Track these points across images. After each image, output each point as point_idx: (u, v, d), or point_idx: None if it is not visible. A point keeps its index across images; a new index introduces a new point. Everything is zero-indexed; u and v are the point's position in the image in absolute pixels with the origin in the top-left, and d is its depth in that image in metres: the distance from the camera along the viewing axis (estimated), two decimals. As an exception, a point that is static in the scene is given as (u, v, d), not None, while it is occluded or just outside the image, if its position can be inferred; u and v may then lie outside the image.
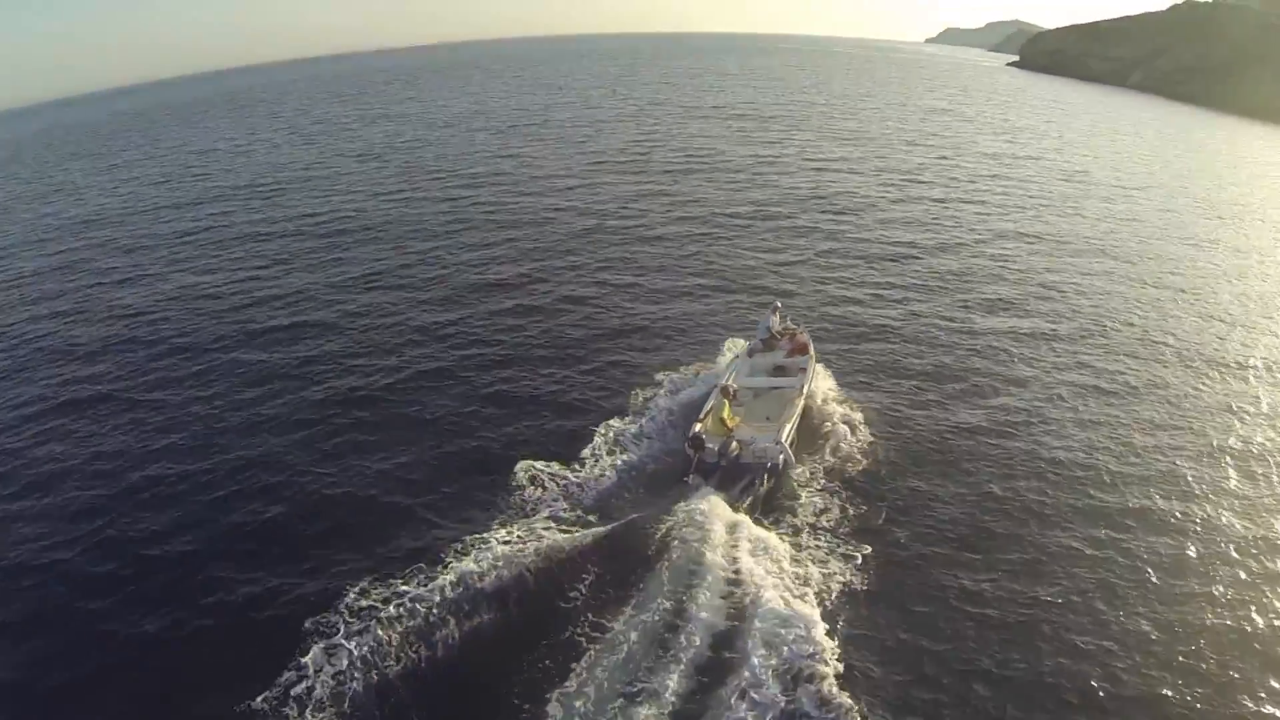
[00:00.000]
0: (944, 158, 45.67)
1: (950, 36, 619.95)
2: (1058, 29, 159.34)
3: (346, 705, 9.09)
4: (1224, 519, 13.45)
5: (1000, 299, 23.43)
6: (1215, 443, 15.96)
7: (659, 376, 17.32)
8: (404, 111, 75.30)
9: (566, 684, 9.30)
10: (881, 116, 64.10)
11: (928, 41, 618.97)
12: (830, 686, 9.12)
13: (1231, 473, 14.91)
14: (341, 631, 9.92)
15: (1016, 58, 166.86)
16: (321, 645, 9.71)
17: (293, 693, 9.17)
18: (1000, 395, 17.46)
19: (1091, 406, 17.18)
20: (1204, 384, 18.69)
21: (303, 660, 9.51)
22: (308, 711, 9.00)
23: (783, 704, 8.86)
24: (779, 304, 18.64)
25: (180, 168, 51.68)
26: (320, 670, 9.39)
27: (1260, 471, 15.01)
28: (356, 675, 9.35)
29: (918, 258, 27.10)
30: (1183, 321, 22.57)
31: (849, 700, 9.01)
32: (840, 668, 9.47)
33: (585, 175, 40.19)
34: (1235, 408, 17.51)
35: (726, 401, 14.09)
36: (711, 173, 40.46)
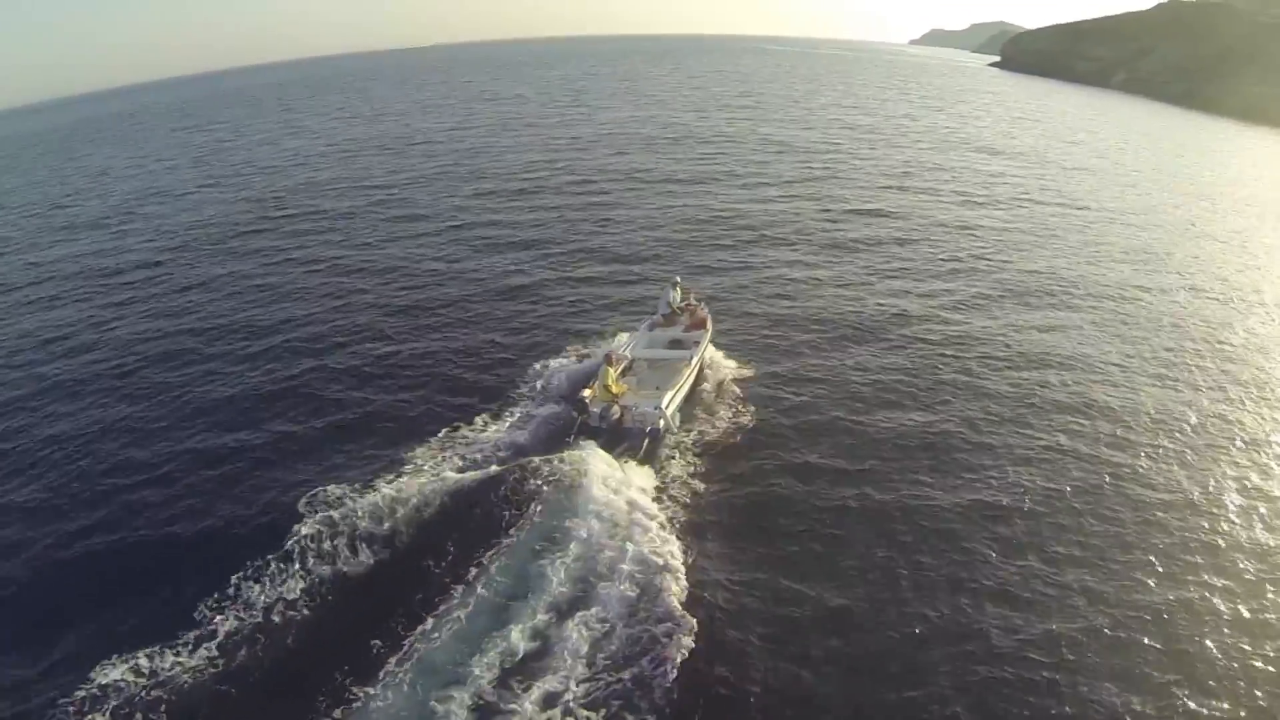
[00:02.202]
0: (893, 154, 43.44)
1: (935, 38, 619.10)
2: (1039, 29, 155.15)
3: (239, 652, 9.48)
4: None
5: (909, 291, 22.97)
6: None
7: (565, 347, 18.07)
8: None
9: (440, 612, 9.89)
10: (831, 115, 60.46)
11: (911, 43, 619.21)
12: (679, 618, 9.73)
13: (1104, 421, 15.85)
14: (238, 573, 10.45)
15: (998, 58, 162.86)
16: (228, 585, 10.30)
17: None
18: (887, 380, 17.32)
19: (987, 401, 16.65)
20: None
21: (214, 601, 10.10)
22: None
23: (635, 636, 9.51)
24: (679, 279, 18.96)
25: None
26: (218, 608, 9.99)
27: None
28: (247, 615, 9.90)
29: (841, 248, 26.98)
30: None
31: (695, 629, 9.63)
32: (693, 609, 10.00)
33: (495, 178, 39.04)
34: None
35: (610, 369, 14.54)
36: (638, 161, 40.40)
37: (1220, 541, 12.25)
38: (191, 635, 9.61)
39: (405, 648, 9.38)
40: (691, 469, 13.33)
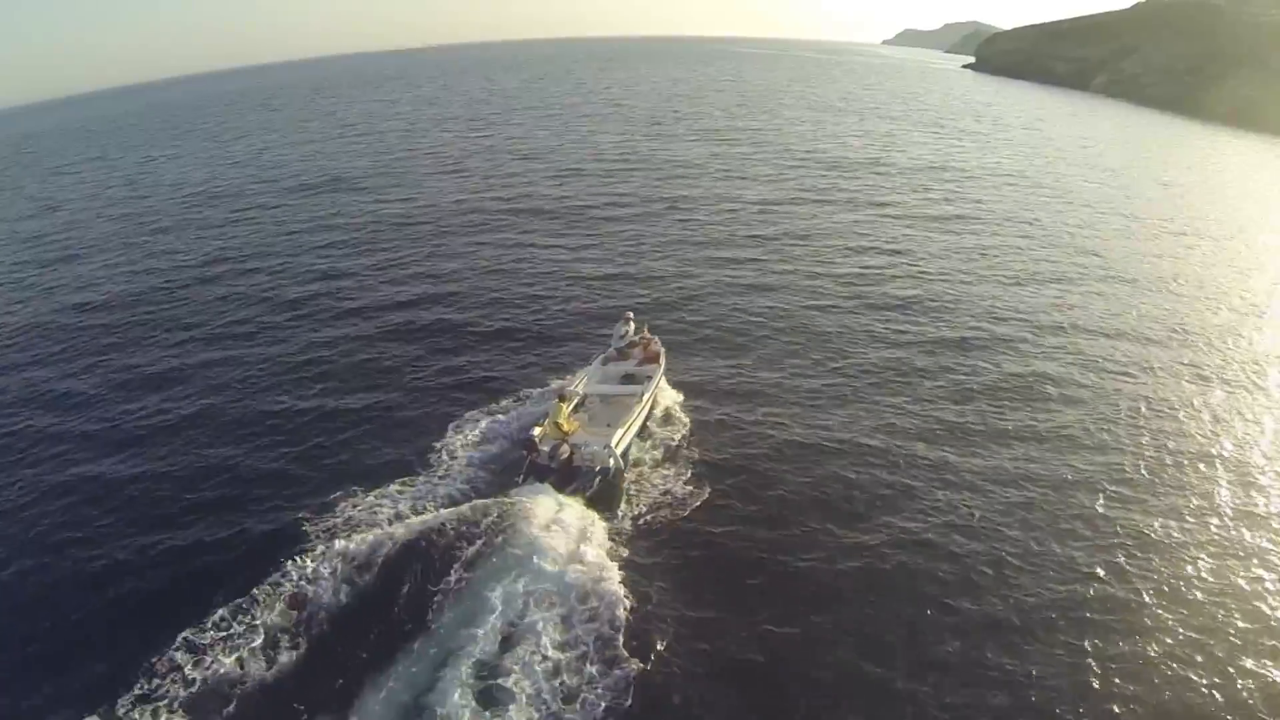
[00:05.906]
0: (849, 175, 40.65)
1: (908, 38, 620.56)
2: (1015, 29, 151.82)
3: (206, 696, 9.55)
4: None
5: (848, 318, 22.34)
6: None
7: (521, 384, 17.67)
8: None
9: (391, 656, 9.97)
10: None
11: (885, 43, 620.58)
12: (621, 654, 9.96)
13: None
14: (187, 629, 10.38)
15: (972, 59, 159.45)
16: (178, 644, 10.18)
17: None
18: (831, 416, 16.65)
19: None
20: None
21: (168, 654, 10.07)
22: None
23: (579, 672, 9.78)
24: (631, 314, 18.64)
25: None
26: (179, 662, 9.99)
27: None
28: (198, 669, 9.87)
29: (789, 278, 25.63)
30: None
31: (636, 665, 9.88)
32: (636, 646, 10.17)
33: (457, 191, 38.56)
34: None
35: (562, 406, 14.26)
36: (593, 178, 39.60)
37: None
38: (152, 684, 9.71)
39: (357, 693, 9.54)
40: (640, 506, 13.21)
